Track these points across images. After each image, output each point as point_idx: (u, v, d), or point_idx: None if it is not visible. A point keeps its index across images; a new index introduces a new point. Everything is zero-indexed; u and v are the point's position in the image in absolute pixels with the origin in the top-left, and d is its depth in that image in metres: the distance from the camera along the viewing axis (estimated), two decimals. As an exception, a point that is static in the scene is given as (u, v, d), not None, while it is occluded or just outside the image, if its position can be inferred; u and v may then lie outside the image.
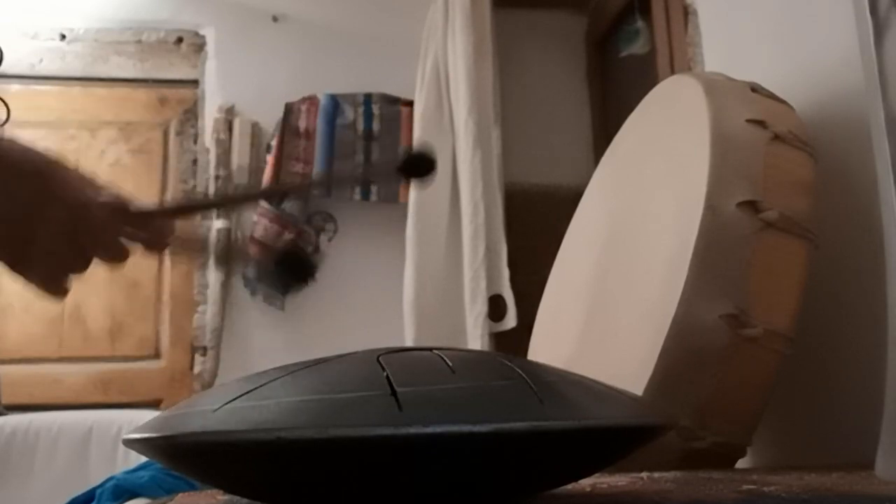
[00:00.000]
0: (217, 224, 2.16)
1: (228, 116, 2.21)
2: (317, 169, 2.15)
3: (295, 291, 0.52)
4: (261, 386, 0.38)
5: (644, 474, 0.57)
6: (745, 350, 0.65)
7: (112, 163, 2.21)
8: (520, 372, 0.39)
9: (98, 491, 1.38)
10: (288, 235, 2.14)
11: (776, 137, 0.71)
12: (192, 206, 0.73)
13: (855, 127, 0.75)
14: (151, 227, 0.57)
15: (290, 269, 0.52)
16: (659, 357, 0.65)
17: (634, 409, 0.45)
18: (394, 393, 0.35)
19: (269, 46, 2.28)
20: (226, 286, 2.15)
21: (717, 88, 0.76)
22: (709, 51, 1.19)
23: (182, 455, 0.39)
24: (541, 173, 2.22)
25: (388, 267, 2.06)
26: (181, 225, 0.59)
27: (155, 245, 0.57)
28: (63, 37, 2.24)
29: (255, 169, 2.18)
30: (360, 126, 2.20)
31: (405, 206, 2.05)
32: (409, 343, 1.90)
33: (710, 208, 0.67)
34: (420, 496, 0.37)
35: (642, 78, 1.61)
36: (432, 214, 2.00)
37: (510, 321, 1.88)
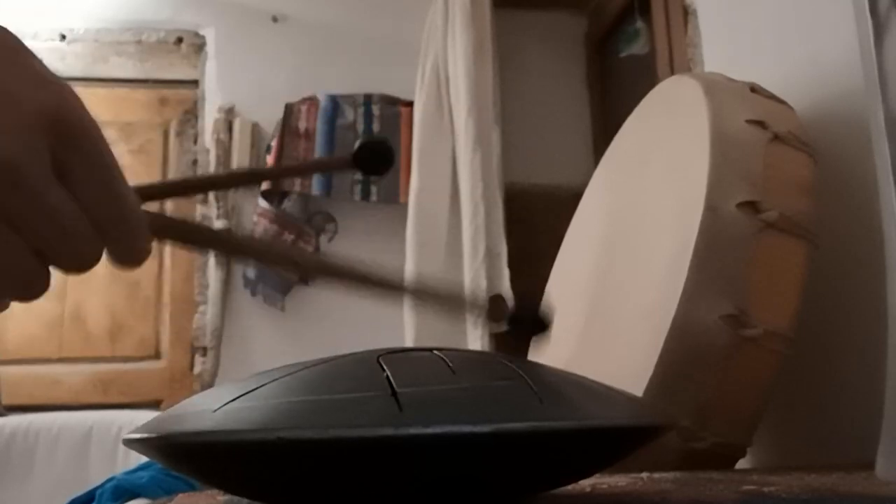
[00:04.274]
0: (218, 225, 2.16)
1: (228, 117, 2.21)
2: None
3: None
4: (261, 386, 0.38)
5: (644, 474, 0.57)
6: (745, 350, 0.65)
7: (112, 163, 2.21)
8: (520, 372, 0.39)
9: (98, 491, 1.38)
10: (288, 235, 2.14)
11: (776, 138, 0.71)
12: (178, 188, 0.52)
13: (855, 127, 0.75)
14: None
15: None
16: (659, 357, 0.65)
17: (634, 410, 0.45)
18: (394, 393, 0.35)
19: (269, 47, 2.28)
20: (226, 286, 2.15)
21: (717, 89, 0.76)
22: (708, 51, 1.19)
23: (182, 455, 0.39)
24: (541, 173, 2.22)
25: (388, 267, 2.06)
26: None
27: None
28: (63, 37, 2.24)
29: (255, 169, 2.19)
30: (360, 127, 2.21)
31: (405, 206, 2.05)
32: (409, 343, 1.90)
33: (710, 209, 0.67)
34: (420, 496, 0.37)
35: (642, 78, 1.61)
36: (432, 214, 2.00)
37: (510, 321, 1.87)
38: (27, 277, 0.30)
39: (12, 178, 0.28)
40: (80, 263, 0.31)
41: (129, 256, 0.33)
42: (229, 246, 0.44)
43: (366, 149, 0.46)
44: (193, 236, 0.43)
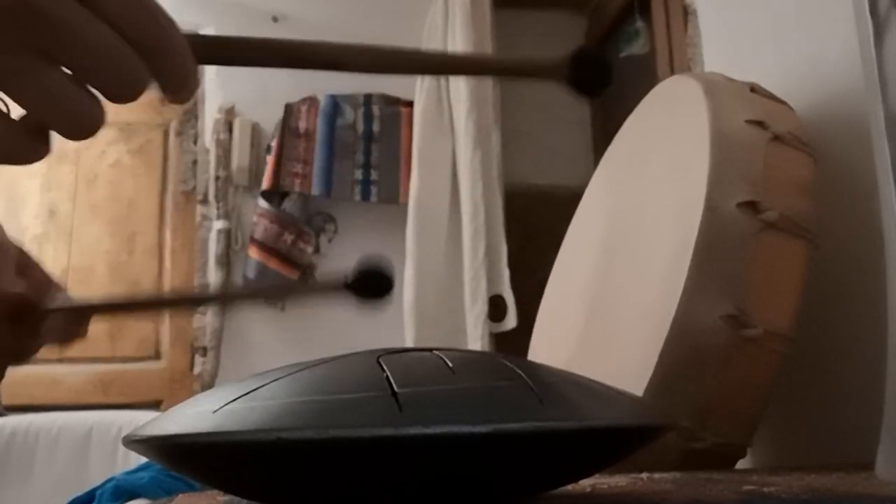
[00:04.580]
0: (217, 225, 2.17)
1: (228, 117, 2.21)
2: (317, 169, 2.15)
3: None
4: (261, 386, 0.38)
5: (644, 475, 0.57)
6: (746, 350, 0.65)
7: (112, 163, 2.21)
8: (520, 372, 0.39)
9: (98, 491, 1.38)
10: (288, 236, 2.14)
11: (776, 138, 0.71)
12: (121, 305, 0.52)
13: (855, 127, 0.75)
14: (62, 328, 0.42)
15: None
16: (659, 357, 0.65)
17: (635, 410, 0.45)
18: (394, 394, 0.35)
19: (269, 47, 2.28)
20: (226, 286, 2.15)
21: (717, 89, 0.76)
22: (708, 51, 1.19)
23: (182, 456, 0.39)
24: (541, 173, 2.23)
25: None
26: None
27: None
28: (63, 37, 2.24)
29: (255, 170, 2.19)
30: (360, 127, 2.21)
31: (405, 206, 2.06)
32: (409, 343, 1.90)
33: (710, 209, 0.67)
34: (420, 496, 0.37)
35: (642, 78, 1.61)
36: (432, 214, 2.00)
37: (510, 321, 1.88)
38: (75, 108, 0.31)
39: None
40: (124, 90, 0.31)
41: (177, 81, 0.32)
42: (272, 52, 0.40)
43: (585, 61, 0.37)
44: (238, 54, 0.40)
